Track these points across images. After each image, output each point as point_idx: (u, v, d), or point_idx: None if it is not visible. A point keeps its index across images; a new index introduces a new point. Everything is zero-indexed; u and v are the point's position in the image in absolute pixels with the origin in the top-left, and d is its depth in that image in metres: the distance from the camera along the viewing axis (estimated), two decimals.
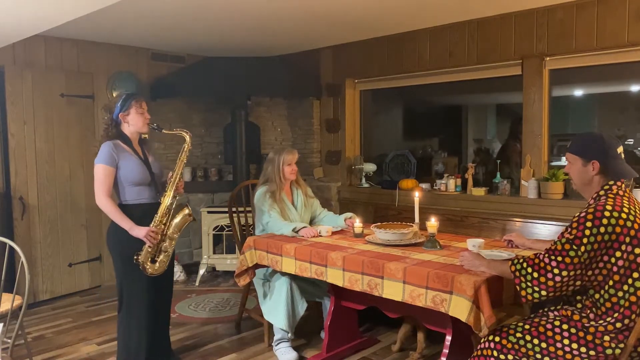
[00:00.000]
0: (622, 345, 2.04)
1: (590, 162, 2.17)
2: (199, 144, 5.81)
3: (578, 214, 2.09)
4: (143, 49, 5.28)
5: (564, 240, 2.05)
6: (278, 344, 3.38)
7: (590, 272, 2.05)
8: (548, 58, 3.95)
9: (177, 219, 2.97)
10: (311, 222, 3.71)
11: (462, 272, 2.44)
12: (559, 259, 2.03)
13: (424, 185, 4.70)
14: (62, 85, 4.64)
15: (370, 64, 5.02)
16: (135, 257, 2.86)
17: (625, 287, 2.03)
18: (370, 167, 5.23)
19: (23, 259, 2.62)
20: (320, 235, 3.34)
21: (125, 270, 2.92)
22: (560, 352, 2.10)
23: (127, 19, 4.07)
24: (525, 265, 2.12)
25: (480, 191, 4.29)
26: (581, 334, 2.09)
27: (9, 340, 2.69)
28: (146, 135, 3.10)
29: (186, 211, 2.99)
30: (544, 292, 2.06)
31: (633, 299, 2.03)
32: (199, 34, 4.62)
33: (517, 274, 2.13)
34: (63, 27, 3.80)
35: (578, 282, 2.06)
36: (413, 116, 6.88)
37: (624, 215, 2.02)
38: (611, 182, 2.15)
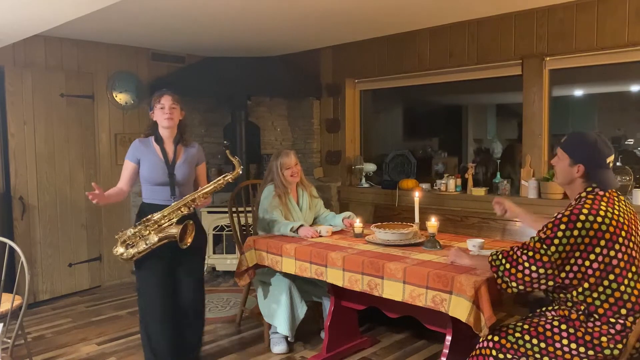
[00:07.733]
0: (620, 346, 2.05)
1: (576, 165, 2.19)
2: (198, 144, 5.80)
3: (556, 214, 2.14)
4: (143, 49, 5.27)
5: (536, 238, 2.13)
6: (274, 332, 3.45)
7: (563, 274, 2.09)
8: (548, 58, 3.95)
9: (171, 229, 2.77)
10: (314, 222, 3.72)
11: (462, 272, 2.44)
12: (530, 254, 2.11)
13: (424, 185, 4.70)
14: (62, 85, 4.64)
15: (370, 64, 5.01)
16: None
17: (601, 289, 2.06)
18: (370, 167, 5.23)
19: (23, 259, 2.62)
20: (320, 235, 3.34)
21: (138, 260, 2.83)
22: (559, 352, 2.11)
23: (127, 19, 4.06)
24: (500, 257, 2.23)
25: (480, 191, 4.29)
26: (579, 334, 2.10)
27: (9, 340, 2.69)
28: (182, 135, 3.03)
29: (173, 231, 2.76)
30: (514, 284, 2.16)
31: (612, 300, 2.06)
32: (199, 34, 4.61)
33: (494, 264, 2.24)
34: (63, 27, 3.79)
35: (550, 282, 2.11)
36: (413, 116, 6.88)
37: (599, 219, 2.04)
38: (595, 185, 2.17)
